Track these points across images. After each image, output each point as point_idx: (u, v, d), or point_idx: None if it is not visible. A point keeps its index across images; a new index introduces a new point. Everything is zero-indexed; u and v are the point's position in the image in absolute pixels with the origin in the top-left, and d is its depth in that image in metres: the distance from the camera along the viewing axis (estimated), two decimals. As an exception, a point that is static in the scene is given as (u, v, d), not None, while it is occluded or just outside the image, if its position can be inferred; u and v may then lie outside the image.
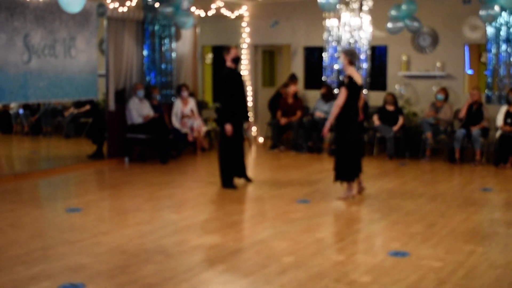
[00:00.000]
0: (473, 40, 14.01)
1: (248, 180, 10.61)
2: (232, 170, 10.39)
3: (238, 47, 10.39)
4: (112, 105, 12.84)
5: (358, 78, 9.44)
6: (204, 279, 6.00)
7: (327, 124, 9.70)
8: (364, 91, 14.24)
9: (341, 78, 14.74)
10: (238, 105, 10.30)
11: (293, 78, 15.21)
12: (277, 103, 15.06)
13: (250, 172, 11.44)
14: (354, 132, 9.48)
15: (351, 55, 9.51)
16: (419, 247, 7.03)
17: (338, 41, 14.76)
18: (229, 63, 10.26)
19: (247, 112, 10.57)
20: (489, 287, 5.81)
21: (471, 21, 13.32)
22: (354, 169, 9.50)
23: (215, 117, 15.55)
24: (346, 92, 9.24)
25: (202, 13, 14.40)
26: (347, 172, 9.49)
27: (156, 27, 13.47)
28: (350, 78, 9.29)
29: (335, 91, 14.37)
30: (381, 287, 5.76)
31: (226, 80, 10.23)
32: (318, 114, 14.23)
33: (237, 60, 10.36)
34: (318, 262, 6.53)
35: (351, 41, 14.63)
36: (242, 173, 10.58)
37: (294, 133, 14.59)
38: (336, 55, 14.67)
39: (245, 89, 10.55)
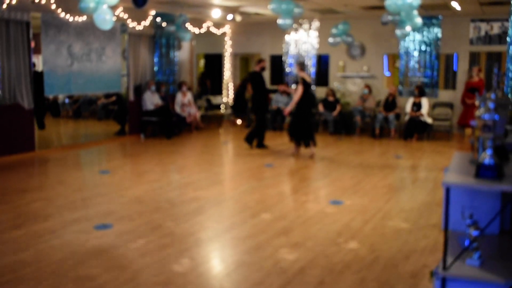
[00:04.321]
0: (390, 51, 14.08)
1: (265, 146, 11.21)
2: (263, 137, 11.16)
3: (264, 59, 11.03)
4: (131, 96, 12.74)
5: (308, 78, 9.95)
6: (198, 220, 6.01)
7: (289, 108, 10.31)
8: (313, 87, 14.31)
9: (287, 79, 14.83)
10: (262, 95, 10.99)
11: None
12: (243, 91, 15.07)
13: (233, 143, 11.47)
14: (307, 115, 10.01)
15: (301, 64, 10.18)
16: (350, 197, 7.10)
17: (295, 51, 14.80)
18: (257, 68, 10.95)
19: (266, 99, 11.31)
20: (399, 224, 5.89)
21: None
22: (303, 138, 10.09)
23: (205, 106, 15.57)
24: (302, 88, 9.66)
25: (196, 30, 14.27)
26: (297, 138, 10.15)
27: (163, 40, 13.33)
28: (303, 79, 9.77)
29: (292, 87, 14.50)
30: (324, 226, 5.82)
31: (252, 79, 10.98)
32: (283, 107, 14.22)
33: (263, 69, 10.96)
34: (279, 208, 6.57)
35: (303, 51, 14.66)
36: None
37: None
38: (292, 61, 14.73)
39: (265, 85, 11.06)
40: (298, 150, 10.33)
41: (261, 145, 11.15)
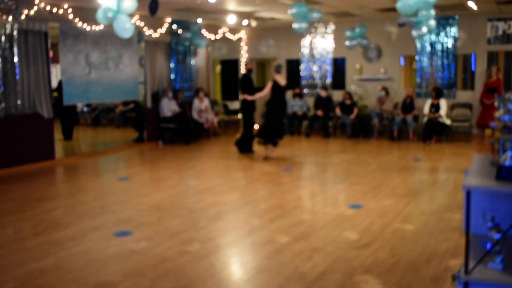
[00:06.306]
0: (407, 52, 13.98)
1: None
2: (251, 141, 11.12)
3: (252, 61, 11.31)
4: (149, 103, 12.81)
5: (282, 81, 10.26)
6: (216, 226, 6.01)
7: (250, 97, 10.71)
8: (329, 90, 14.27)
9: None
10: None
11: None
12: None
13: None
14: (277, 116, 10.34)
15: (277, 67, 10.48)
16: (370, 201, 7.04)
17: (311, 55, 14.76)
18: (245, 71, 11.22)
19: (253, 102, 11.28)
20: (419, 227, 5.83)
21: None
22: (269, 137, 10.40)
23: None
24: (270, 86, 10.21)
25: (212, 37, 14.33)
26: (265, 139, 10.42)
27: (180, 47, 13.40)
28: (275, 81, 10.22)
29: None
30: (343, 230, 5.78)
31: (241, 81, 11.15)
32: (300, 112, 14.15)
33: (250, 71, 11.16)
34: (298, 213, 6.55)
35: (319, 55, 14.61)
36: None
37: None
38: (309, 65, 14.69)
39: (253, 88, 11.08)
40: (268, 152, 10.46)
41: (248, 150, 11.11)
